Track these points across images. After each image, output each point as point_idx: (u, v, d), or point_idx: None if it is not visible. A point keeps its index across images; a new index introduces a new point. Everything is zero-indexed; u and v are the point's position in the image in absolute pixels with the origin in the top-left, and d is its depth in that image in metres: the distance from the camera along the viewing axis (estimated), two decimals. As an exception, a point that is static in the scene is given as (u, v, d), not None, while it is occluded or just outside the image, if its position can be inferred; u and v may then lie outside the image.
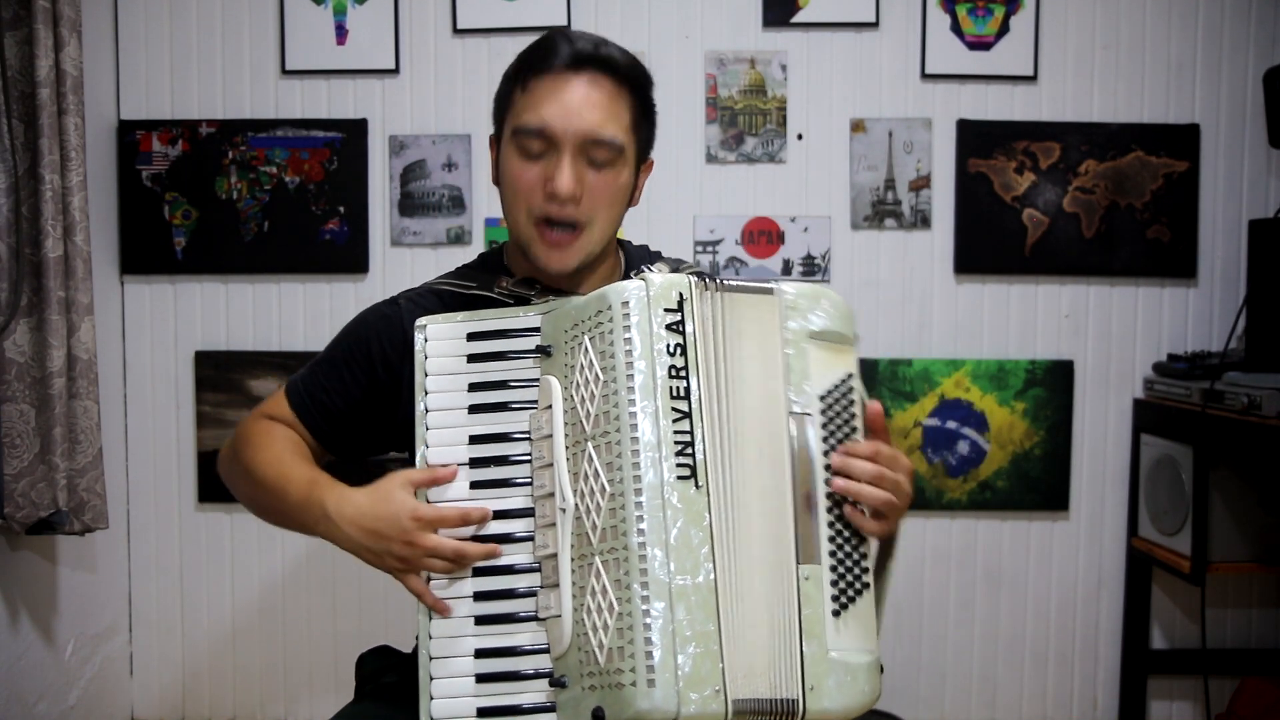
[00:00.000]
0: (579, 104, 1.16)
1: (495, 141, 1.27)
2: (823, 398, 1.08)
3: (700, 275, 1.08)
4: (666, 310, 1.03)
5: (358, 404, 1.28)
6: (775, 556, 1.02)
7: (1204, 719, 2.43)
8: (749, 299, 1.08)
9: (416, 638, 1.10)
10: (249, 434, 1.28)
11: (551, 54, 1.17)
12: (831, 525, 1.05)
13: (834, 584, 1.04)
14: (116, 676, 2.42)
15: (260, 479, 1.21)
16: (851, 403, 1.10)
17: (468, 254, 2.39)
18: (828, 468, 1.06)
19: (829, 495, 1.05)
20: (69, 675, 2.21)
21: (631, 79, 1.20)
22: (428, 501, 1.09)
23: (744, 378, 1.06)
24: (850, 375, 1.11)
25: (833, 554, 1.05)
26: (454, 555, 1.05)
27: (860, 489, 1.06)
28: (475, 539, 1.07)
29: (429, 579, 1.08)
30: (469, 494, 1.08)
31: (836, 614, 1.03)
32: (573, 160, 1.16)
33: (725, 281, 1.08)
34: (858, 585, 1.05)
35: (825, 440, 1.07)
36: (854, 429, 1.09)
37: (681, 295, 1.04)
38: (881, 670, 1.06)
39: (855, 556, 1.06)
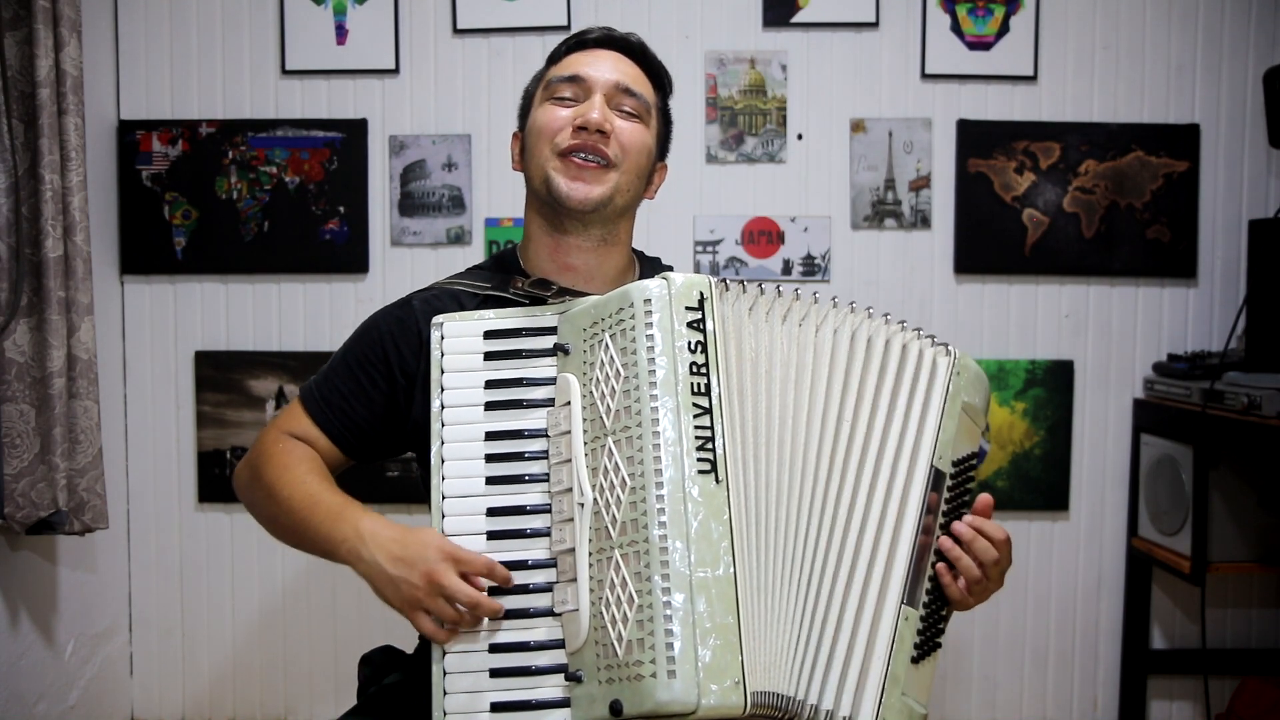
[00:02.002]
0: (611, 64, 1.28)
1: (519, 134, 1.34)
2: (955, 464, 1.12)
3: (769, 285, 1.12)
4: (688, 309, 1.04)
5: (379, 409, 1.26)
6: (854, 576, 1.05)
7: (1204, 719, 2.44)
8: (912, 342, 1.13)
9: (421, 636, 1.09)
10: (269, 453, 1.22)
11: (584, 35, 1.31)
12: (932, 580, 1.09)
13: (920, 633, 1.07)
14: (116, 676, 2.42)
15: (285, 499, 1.17)
16: (972, 479, 1.15)
17: (468, 254, 2.40)
18: (943, 527, 1.10)
19: (937, 552, 1.09)
20: (69, 675, 2.21)
21: (655, 75, 1.34)
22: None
23: (809, 389, 1.09)
24: (977, 455, 1.16)
25: (925, 605, 1.08)
26: (468, 601, 1.02)
27: (970, 566, 1.10)
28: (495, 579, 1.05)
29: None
30: (485, 489, 1.09)
31: (914, 660, 1.06)
32: (603, 102, 1.24)
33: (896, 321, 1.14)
34: (933, 643, 1.09)
35: (946, 503, 1.11)
36: (966, 504, 1.14)
37: (702, 294, 1.05)
38: None
39: (939, 615, 1.10)
